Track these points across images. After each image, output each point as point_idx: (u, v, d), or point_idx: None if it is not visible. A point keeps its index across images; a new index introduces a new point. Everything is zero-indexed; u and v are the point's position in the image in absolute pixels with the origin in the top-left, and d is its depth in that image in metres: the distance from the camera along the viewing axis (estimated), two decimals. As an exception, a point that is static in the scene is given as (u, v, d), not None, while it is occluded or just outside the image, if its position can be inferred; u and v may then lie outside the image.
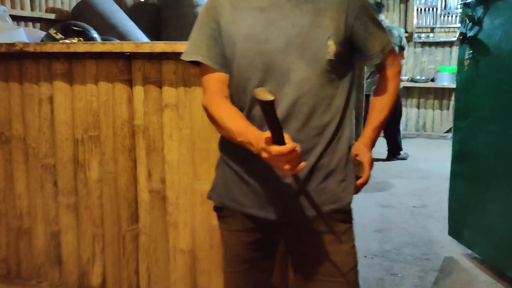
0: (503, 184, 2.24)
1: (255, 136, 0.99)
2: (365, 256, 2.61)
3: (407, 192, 3.86)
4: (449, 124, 6.78)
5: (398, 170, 4.58)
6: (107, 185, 2.05)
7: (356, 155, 1.21)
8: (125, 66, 1.98)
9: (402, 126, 5.67)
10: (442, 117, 6.71)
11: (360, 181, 1.20)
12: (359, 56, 1.21)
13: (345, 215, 1.21)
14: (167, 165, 1.95)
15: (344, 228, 1.20)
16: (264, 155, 0.96)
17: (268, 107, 0.85)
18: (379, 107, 1.27)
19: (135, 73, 1.97)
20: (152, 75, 1.94)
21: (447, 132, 6.74)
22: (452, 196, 2.66)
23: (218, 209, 1.30)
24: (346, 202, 1.19)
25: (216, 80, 1.19)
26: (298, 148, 0.93)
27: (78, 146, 2.09)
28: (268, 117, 0.87)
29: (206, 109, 1.19)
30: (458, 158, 2.62)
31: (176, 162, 1.94)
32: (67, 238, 2.17)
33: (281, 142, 0.91)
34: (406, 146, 5.34)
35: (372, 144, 1.26)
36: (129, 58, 1.97)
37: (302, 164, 0.96)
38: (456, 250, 2.66)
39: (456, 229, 2.64)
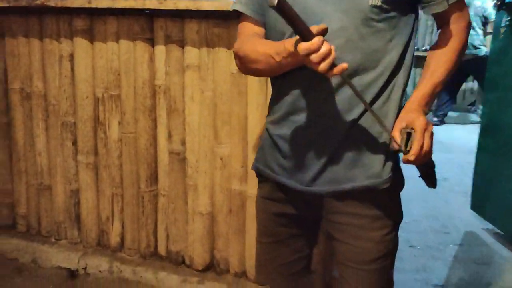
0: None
1: (289, 42, 0.92)
2: None
3: (428, 164, 3.79)
4: (474, 96, 6.59)
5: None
6: (127, 145, 2.03)
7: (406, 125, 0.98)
8: (146, 24, 1.92)
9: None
10: (466, 90, 6.52)
11: (408, 156, 0.92)
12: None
13: (382, 196, 1.05)
14: (188, 127, 1.92)
15: (381, 214, 1.06)
16: (294, 58, 0.90)
17: (282, 7, 0.81)
18: (436, 64, 1.04)
19: (157, 31, 1.92)
20: (174, 34, 1.88)
21: (470, 105, 6.56)
22: (477, 169, 2.59)
23: (256, 174, 1.24)
24: (384, 179, 1.03)
25: (252, 30, 1.12)
26: (328, 45, 0.83)
27: (99, 104, 2.07)
28: (287, 17, 0.82)
29: (237, 52, 1.11)
30: (486, 131, 2.54)
31: (196, 124, 1.90)
32: (86, 197, 2.18)
33: (308, 38, 0.83)
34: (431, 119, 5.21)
35: (426, 106, 1.01)
36: (151, 15, 1.91)
37: (343, 65, 0.85)
38: (477, 224, 2.61)
39: (478, 204, 2.59)
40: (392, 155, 1.05)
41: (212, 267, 2.02)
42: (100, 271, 2.15)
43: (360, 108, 1.01)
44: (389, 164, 1.04)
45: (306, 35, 0.83)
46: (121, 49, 1.97)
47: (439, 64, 1.04)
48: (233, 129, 1.85)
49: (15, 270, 2.24)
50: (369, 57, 0.99)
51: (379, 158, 1.04)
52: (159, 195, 2.05)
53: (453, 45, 1.04)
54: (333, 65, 0.85)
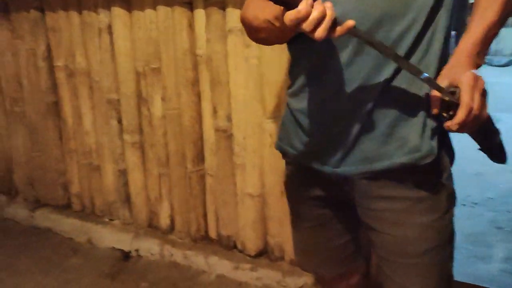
0: None
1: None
2: (463, 205, 2.26)
3: (514, 129, 3.31)
4: None
5: (503, 100, 3.97)
6: (171, 122, 1.88)
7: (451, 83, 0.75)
8: (184, -14, 1.72)
9: (508, 48, 4.90)
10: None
11: (451, 124, 0.73)
12: None
13: (426, 174, 0.85)
14: (233, 100, 1.72)
15: (427, 194, 0.86)
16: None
17: None
18: (487, 2, 0.79)
19: (196, -6, 1.71)
20: (214, -4, 1.67)
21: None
22: None
23: (282, 154, 1.05)
24: (424, 152, 0.82)
25: None
26: (320, 6, 0.65)
27: (140, 79, 1.93)
28: None
29: (242, 21, 0.91)
30: None
31: (242, 97, 1.69)
32: (134, 177, 2.08)
33: (293, 5, 0.66)
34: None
35: (478, 56, 0.77)
36: (188, -24, 1.70)
37: (348, 23, 0.67)
38: None
39: None
40: (434, 123, 0.82)
41: (265, 253, 1.85)
42: (151, 254, 2.07)
43: (391, 67, 0.79)
44: (430, 134, 0.82)
45: (289, 2, 0.66)
46: (159, 16, 1.79)
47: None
48: (283, 102, 1.62)
49: (71, 250, 2.22)
50: (394, 1, 0.77)
51: (417, 128, 0.82)
52: (207, 175, 1.89)
53: None
54: (335, 24, 0.67)
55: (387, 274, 0.93)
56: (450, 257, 0.93)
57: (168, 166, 1.96)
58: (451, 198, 0.90)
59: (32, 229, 2.41)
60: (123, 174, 2.11)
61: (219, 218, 1.92)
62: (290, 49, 0.95)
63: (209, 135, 1.82)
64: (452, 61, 0.78)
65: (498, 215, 2.17)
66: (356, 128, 0.84)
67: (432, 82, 0.74)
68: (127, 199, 2.15)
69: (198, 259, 1.94)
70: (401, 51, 0.78)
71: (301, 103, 0.90)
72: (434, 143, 0.82)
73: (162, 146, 1.94)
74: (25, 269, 2.08)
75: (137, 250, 2.11)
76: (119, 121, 2.03)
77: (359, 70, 0.81)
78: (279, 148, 1.01)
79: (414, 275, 0.89)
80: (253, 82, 1.66)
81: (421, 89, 0.80)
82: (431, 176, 0.86)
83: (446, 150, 0.88)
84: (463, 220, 2.14)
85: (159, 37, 1.81)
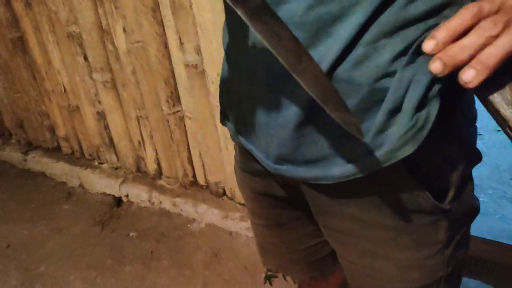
0: None
1: None
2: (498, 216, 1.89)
3: None
4: None
5: None
6: (137, 58, 1.59)
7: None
8: None
9: None
10: None
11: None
12: None
13: (420, 197, 0.52)
14: (200, 28, 1.39)
15: (418, 225, 0.55)
16: None
17: None
18: None
19: None
20: None
21: None
22: None
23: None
24: (399, 146, 0.47)
25: None
26: None
27: (98, 7, 1.62)
28: None
29: None
30: None
31: (210, 24, 1.36)
32: (113, 120, 1.86)
33: None
34: None
35: None
36: None
37: None
38: None
39: None
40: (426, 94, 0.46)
41: (256, 203, 1.63)
42: (141, 200, 1.92)
43: (363, 14, 0.44)
44: (409, 112, 0.46)
45: None
46: None
47: None
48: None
49: (63, 195, 2.12)
50: None
51: (386, 112, 0.47)
52: (185, 118, 1.63)
53: None
54: None
55: None
56: None
57: (145, 108, 1.71)
58: (461, 224, 0.58)
59: (27, 172, 2.31)
60: (102, 116, 1.89)
61: (204, 164, 1.70)
62: None
63: (180, 71, 1.53)
64: None
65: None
66: (299, 112, 0.51)
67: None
68: (111, 143, 1.96)
69: (187, 207, 1.77)
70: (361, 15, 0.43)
71: (229, 65, 0.59)
72: (415, 127, 0.46)
73: (134, 85, 1.68)
74: (17, 216, 2.00)
75: (127, 196, 1.96)
76: (85, 58, 1.76)
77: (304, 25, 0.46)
78: (222, 121, 0.70)
79: None
80: (220, 4, 1.31)
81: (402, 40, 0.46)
82: (425, 201, 0.53)
83: (454, 141, 0.54)
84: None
85: (106, -47, 1.46)
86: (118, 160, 1.99)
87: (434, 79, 0.44)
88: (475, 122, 0.57)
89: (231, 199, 1.70)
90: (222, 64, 0.64)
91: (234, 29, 0.55)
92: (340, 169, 0.52)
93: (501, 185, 1.87)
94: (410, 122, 0.45)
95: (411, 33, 0.45)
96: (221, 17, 1.32)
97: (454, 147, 0.54)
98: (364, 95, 0.47)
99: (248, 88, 0.56)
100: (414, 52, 0.44)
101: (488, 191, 1.83)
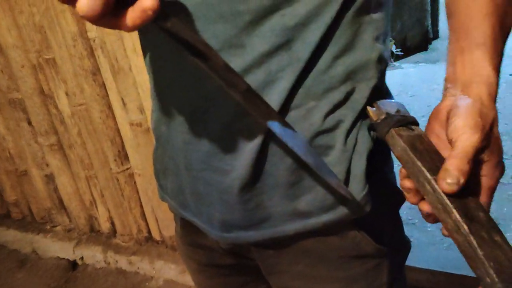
0: None
1: None
2: None
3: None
4: None
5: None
6: (82, 120, 1.60)
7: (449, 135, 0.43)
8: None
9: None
10: None
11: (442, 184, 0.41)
12: None
13: (361, 240, 0.56)
14: (141, 89, 1.43)
15: (362, 272, 0.58)
16: None
17: None
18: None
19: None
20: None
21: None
22: None
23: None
24: (356, 205, 0.51)
25: None
26: None
27: (38, 73, 1.63)
28: None
29: None
30: None
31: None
32: (63, 181, 1.84)
33: None
34: None
35: (494, 85, 0.43)
36: None
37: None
38: None
39: None
40: (369, 158, 0.52)
41: (212, 253, 1.63)
42: (97, 261, 1.87)
43: (293, 72, 0.47)
44: (360, 174, 0.51)
45: None
46: (38, -4, 1.46)
47: None
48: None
49: (18, 263, 2.04)
50: None
51: (341, 165, 0.51)
52: (135, 175, 1.64)
53: None
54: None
55: None
56: None
57: (93, 168, 1.71)
58: (398, 263, 0.62)
59: (-23, 242, 2.22)
60: (50, 179, 1.87)
61: (158, 219, 1.69)
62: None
63: (125, 130, 1.55)
64: (453, 85, 0.45)
65: None
66: (241, 170, 0.51)
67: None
68: (62, 205, 1.92)
69: (143, 264, 1.74)
70: (301, 50, 0.46)
71: (162, 129, 0.59)
72: (366, 192, 0.52)
73: (81, 146, 1.68)
74: (-32, 291, 1.92)
75: (82, 258, 1.91)
76: (30, 123, 1.75)
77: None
78: (161, 197, 0.69)
79: None
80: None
81: (345, 106, 0.51)
82: (367, 245, 0.57)
83: (387, 201, 0.58)
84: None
85: (42, 22, 1.49)
86: (70, 221, 1.96)
87: (372, 151, 0.51)
88: (393, 166, 0.62)
89: (187, 252, 1.69)
90: (155, 141, 0.66)
91: (167, 114, 0.57)
92: (289, 226, 0.54)
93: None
94: (365, 188, 0.51)
95: (336, 95, 0.49)
96: (160, 76, 1.36)
97: (384, 193, 0.57)
98: (328, 123, 0.50)
99: (184, 160, 0.56)
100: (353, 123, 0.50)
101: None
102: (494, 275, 0.37)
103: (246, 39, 0.47)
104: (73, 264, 1.94)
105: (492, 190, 0.43)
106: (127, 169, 1.63)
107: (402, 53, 3.39)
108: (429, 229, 1.62)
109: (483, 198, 0.43)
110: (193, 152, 0.54)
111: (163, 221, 1.67)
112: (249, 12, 0.45)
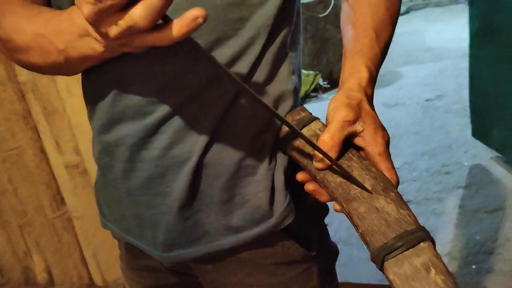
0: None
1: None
2: None
3: (418, 81, 3.24)
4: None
5: (406, 53, 3.91)
6: (13, 165, 1.55)
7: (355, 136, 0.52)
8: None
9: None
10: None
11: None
12: None
13: (290, 249, 0.62)
14: (77, 130, 1.42)
15: (294, 276, 0.63)
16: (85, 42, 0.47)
17: None
18: (368, 13, 0.57)
19: None
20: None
21: None
22: (474, 86, 2.07)
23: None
24: (277, 216, 0.58)
25: None
26: None
27: (-36, 121, 1.56)
28: None
29: None
30: (478, 36, 1.98)
31: (86, 124, 1.39)
32: (-8, 233, 1.74)
33: None
34: (413, 20, 4.55)
35: (371, 93, 0.55)
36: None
37: (194, 12, 0.36)
38: (483, 154, 2.13)
39: (481, 129, 2.09)
40: (286, 172, 0.59)
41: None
42: (34, 316, 1.77)
43: (226, 97, 0.54)
44: (281, 189, 0.59)
45: None
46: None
47: (375, 10, 0.58)
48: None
49: None
50: (225, 17, 0.52)
51: (261, 183, 0.58)
52: (73, 219, 1.59)
53: None
54: (166, 18, 0.38)
55: None
56: None
57: (27, 215, 1.64)
58: (328, 263, 0.68)
59: None
60: (-22, 231, 1.76)
61: (99, 263, 1.64)
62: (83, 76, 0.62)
63: (61, 173, 1.52)
64: (343, 94, 0.52)
65: (406, 187, 2.07)
66: (182, 191, 0.56)
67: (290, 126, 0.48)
68: (-8, 259, 1.81)
69: (86, 313, 1.67)
70: (242, 70, 0.54)
71: (102, 153, 0.61)
72: (287, 204, 0.59)
73: (12, 194, 1.61)
74: None
75: (17, 314, 1.79)
76: (-46, 173, 1.66)
77: (184, 94, 0.54)
78: (103, 225, 0.72)
79: None
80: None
81: (267, 130, 0.57)
82: (296, 251, 0.62)
83: (311, 209, 0.65)
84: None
85: (-32, 68, 1.45)
86: (2, 276, 1.84)
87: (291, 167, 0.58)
88: None
89: (132, 294, 1.64)
90: (97, 171, 0.68)
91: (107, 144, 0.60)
92: (224, 241, 0.59)
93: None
94: (286, 199, 0.58)
95: (260, 123, 0.56)
96: (96, 116, 1.37)
97: (306, 204, 0.63)
98: (232, 172, 0.56)
99: (125, 187, 0.60)
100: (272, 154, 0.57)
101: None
102: (373, 243, 0.44)
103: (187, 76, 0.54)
104: (7, 322, 1.81)
105: (384, 156, 0.50)
106: (64, 213, 1.59)
107: (329, 85, 3.62)
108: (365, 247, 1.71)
109: (380, 166, 0.50)
110: (134, 178, 0.58)
111: (106, 264, 1.62)
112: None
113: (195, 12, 0.36)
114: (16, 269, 1.79)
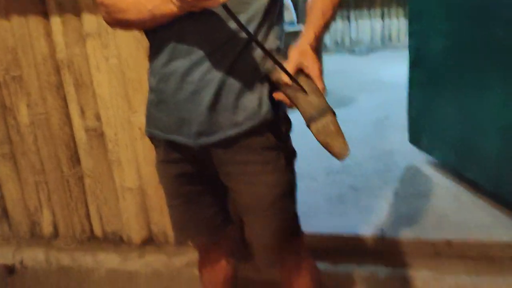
0: (457, 84, 2.17)
1: None
2: (328, 174, 2.57)
3: (369, 105, 3.80)
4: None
5: (361, 84, 4.49)
6: (39, 127, 1.90)
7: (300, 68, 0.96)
8: (36, -5, 1.75)
9: (367, 39, 5.48)
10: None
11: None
12: None
13: (268, 138, 1.04)
14: (99, 100, 1.80)
15: (271, 157, 1.06)
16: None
17: None
18: (320, 1, 1.03)
19: (49, 3, 1.75)
20: (67, 3, 1.73)
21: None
22: (411, 103, 2.59)
23: (150, 140, 1.17)
24: (262, 115, 1.01)
25: None
26: None
27: (2, 89, 1.91)
28: None
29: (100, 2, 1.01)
30: (414, 64, 2.52)
31: (107, 95, 1.78)
32: (9, 188, 2.05)
33: None
34: (373, 60, 5.18)
35: (318, 46, 1.00)
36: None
37: None
38: (417, 158, 2.63)
39: (415, 136, 2.60)
40: (269, 91, 1.02)
41: (151, 241, 1.96)
42: (37, 262, 2.05)
43: (241, 44, 0.97)
44: (266, 101, 1.02)
45: None
46: (13, 25, 1.80)
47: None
48: (145, 96, 1.73)
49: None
50: (239, 3, 0.96)
51: (255, 96, 1.01)
52: (85, 176, 1.94)
53: None
54: None
55: (249, 227, 1.13)
56: (294, 202, 1.15)
57: (44, 172, 1.97)
58: (291, 155, 1.12)
59: None
60: (-4, 187, 2.06)
61: (102, 216, 1.98)
62: (149, 34, 1.05)
63: (81, 136, 1.88)
64: (301, 45, 0.97)
65: (355, 179, 2.51)
66: (208, 102, 0.98)
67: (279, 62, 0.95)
68: (4, 213, 2.10)
69: (86, 259, 1.98)
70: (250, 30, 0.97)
71: (161, 83, 1.02)
72: (269, 108, 1.02)
73: (34, 153, 1.95)
74: None
75: (21, 262, 2.07)
76: (-16, 134, 1.98)
77: (210, 50, 0.96)
78: (148, 133, 1.13)
79: (269, 223, 1.10)
80: (116, 80, 1.75)
81: (260, 67, 1.00)
82: (272, 141, 1.05)
83: (281, 114, 1.07)
84: (328, 186, 2.44)
85: (16, 45, 1.82)
86: (10, 229, 2.12)
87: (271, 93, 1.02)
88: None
89: (128, 243, 1.98)
90: (150, 88, 1.08)
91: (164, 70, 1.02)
92: (233, 131, 1.01)
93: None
94: (268, 106, 1.02)
95: (258, 60, 1.01)
96: (117, 89, 1.76)
97: (280, 110, 1.07)
98: (239, 91, 1.00)
99: (173, 101, 1.02)
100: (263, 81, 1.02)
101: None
102: (306, 115, 0.92)
103: None
104: (11, 269, 2.08)
105: (317, 76, 0.95)
106: (78, 171, 1.93)
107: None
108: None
109: (315, 81, 0.94)
110: (181, 94, 1.01)
111: (107, 217, 1.96)
112: None
113: None
114: (24, 223, 2.09)
